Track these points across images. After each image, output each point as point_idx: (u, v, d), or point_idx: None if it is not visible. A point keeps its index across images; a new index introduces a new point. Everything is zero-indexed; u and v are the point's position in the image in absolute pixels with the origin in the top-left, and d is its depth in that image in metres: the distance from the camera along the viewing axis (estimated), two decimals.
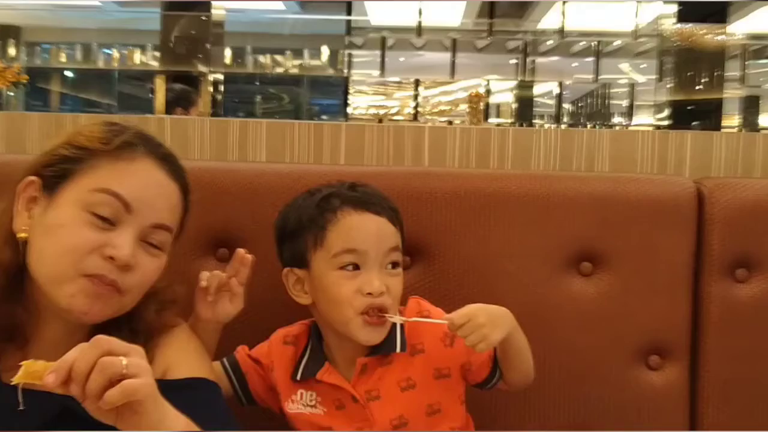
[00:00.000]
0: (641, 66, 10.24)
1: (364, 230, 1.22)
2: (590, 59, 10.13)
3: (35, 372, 0.83)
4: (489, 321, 1.17)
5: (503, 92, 10.29)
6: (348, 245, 1.21)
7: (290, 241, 1.26)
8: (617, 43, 9.92)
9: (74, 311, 0.99)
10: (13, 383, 0.83)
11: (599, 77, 9.97)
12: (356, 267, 1.20)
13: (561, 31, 9.21)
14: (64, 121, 1.67)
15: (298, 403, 1.27)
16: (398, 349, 1.23)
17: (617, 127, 9.86)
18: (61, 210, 1.01)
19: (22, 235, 1.01)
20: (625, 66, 10.61)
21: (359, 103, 10.18)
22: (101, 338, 0.85)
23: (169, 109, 5.41)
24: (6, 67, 6.11)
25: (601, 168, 1.61)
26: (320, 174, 1.47)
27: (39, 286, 1.01)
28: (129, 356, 0.85)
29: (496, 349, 1.23)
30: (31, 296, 1.03)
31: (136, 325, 1.08)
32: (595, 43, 9.82)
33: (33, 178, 1.04)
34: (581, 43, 10.11)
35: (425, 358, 1.25)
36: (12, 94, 6.56)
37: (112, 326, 1.05)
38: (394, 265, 1.24)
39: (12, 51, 7.68)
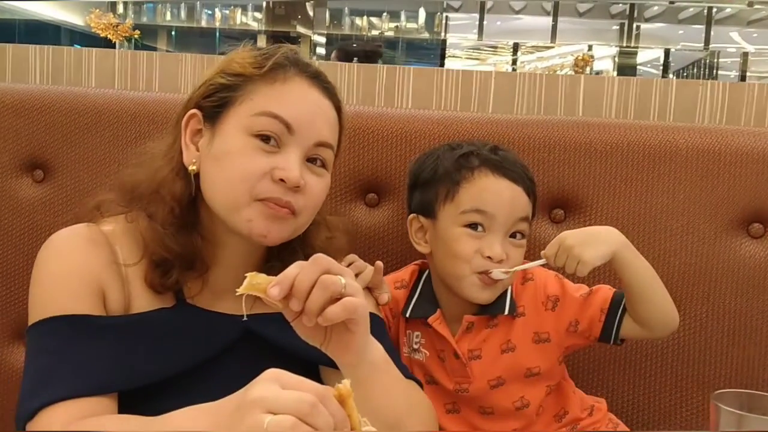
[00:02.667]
0: (753, 35, 9.66)
1: (497, 194, 1.19)
2: (698, 26, 9.63)
3: (258, 284, 0.84)
4: (578, 242, 1.13)
5: (603, 59, 9.92)
6: (479, 205, 1.18)
7: (422, 190, 1.25)
8: (728, 10, 9.37)
9: (254, 235, 0.99)
10: (238, 294, 0.84)
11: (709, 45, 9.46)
12: (482, 228, 1.18)
13: None
14: (213, 61, 1.68)
15: (404, 346, 1.27)
16: (506, 312, 1.20)
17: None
18: (227, 138, 1.01)
19: (193, 167, 1.02)
20: (735, 35, 10.04)
21: (452, 68, 10.04)
22: (321, 257, 0.85)
23: None
24: (119, 23, 6.32)
25: None
26: (471, 121, 1.43)
27: (215, 214, 1.02)
28: (345, 277, 0.85)
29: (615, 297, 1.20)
30: (207, 225, 1.04)
31: (310, 249, 1.08)
32: (706, 9, 9.30)
33: (194, 111, 1.04)
34: (690, 10, 9.62)
35: (525, 322, 1.22)
36: (123, 48, 6.78)
37: (287, 250, 1.07)
38: (520, 235, 1.21)
39: (121, 8, 7.91)
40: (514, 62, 9.63)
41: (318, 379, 1.01)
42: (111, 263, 1.01)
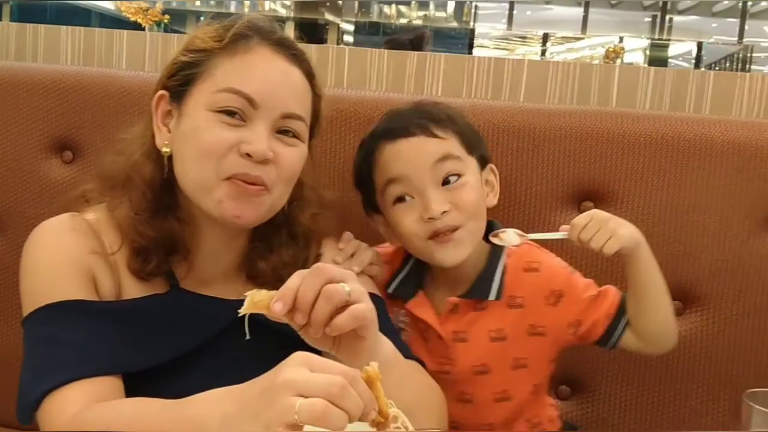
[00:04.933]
0: None
1: (398, 157, 1.14)
2: (732, 20, 9.46)
3: (260, 302, 0.82)
4: (613, 218, 1.09)
5: (634, 51, 9.79)
6: (387, 176, 1.14)
7: (362, 193, 1.23)
8: (763, 3, 9.19)
9: (226, 217, 0.96)
10: (240, 315, 0.82)
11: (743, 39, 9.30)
12: (410, 197, 1.13)
13: None
14: None
15: None
16: (492, 296, 1.16)
17: None
18: (192, 116, 0.98)
19: (166, 150, 1.01)
20: None
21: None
22: (322, 266, 0.84)
23: None
24: (149, 8, 6.36)
25: None
26: (501, 110, 1.41)
27: (189, 196, 1.00)
28: (348, 282, 0.83)
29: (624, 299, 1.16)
30: (185, 208, 1.03)
31: (294, 228, 1.06)
32: (741, 2, 9.12)
33: (162, 92, 1.02)
34: (724, 2, 9.45)
35: (522, 313, 1.18)
36: (153, 31, 6.82)
37: (271, 230, 1.05)
38: (451, 178, 1.13)
39: None
40: (543, 53, 9.54)
41: None
42: (98, 249, 1.00)
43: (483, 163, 1.21)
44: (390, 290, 1.22)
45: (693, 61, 9.61)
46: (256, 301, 0.82)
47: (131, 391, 0.94)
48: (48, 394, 0.88)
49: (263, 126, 0.97)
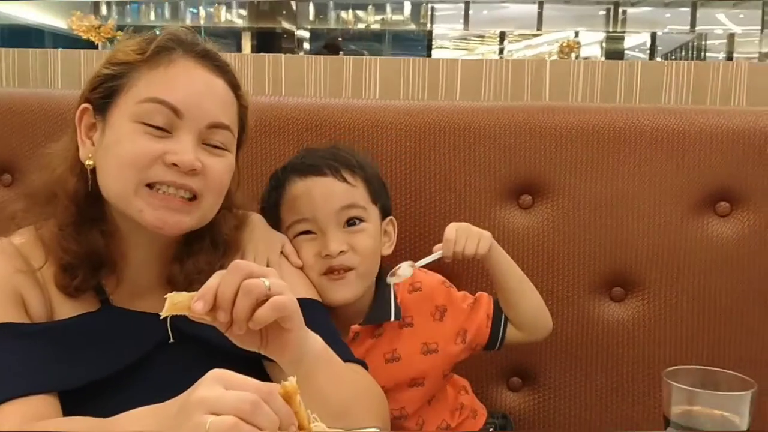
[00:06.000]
0: (740, 16, 9.64)
1: (307, 196, 1.18)
2: (684, 9, 9.60)
3: (180, 303, 0.82)
4: (471, 225, 1.17)
5: (591, 45, 9.90)
6: (295, 216, 1.18)
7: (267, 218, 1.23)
8: None
9: (148, 225, 0.96)
10: (162, 318, 0.82)
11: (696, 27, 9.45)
12: (313, 232, 1.17)
13: None
14: None
15: None
16: (392, 317, 1.20)
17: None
18: (116, 128, 0.98)
19: (89, 162, 1.00)
20: (721, 16, 10.03)
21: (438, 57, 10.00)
22: (239, 263, 0.84)
23: None
24: (101, 25, 6.28)
25: (738, 102, 1.50)
26: (437, 110, 1.43)
27: (113, 206, 1.00)
28: (268, 277, 0.84)
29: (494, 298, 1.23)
30: (112, 221, 1.02)
31: (217, 237, 1.06)
32: None
33: (85, 105, 1.02)
34: None
35: (413, 332, 1.22)
36: (106, 49, 6.75)
37: (196, 240, 1.05)
38: (353, 221, 1.18)
39: (104, 9, 7.88)
40: (501, 51, 9.62)
41: (263, 373, 0.99)
42: (25, 271, 1.00)
43: (385, 213, 1.25)
44: None
45: (648, 51, 9.75)
46: (176, 302, 0.82)
47: (69, 409, 0.93)
48: None
49: (189, 136, 0.97)
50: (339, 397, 0.94)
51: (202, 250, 1.05)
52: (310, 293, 1.14)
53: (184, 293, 0.83)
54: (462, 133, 1.40)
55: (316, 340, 0.93)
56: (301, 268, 1.18)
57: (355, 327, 1.20)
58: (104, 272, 1.02)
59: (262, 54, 1.53)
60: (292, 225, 1.19)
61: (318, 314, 1.08)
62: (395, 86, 1.57)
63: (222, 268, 0.84)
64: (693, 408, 0.81)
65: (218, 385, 0.72)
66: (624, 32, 9.62)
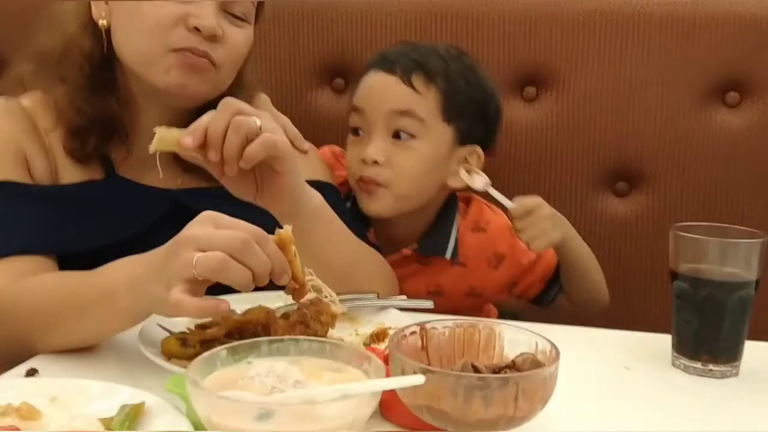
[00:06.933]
0: None
1: (368, 88, 1.11)
2: None
3: (171, 138, 0.80)
4: (551, 215, 1.09)
5: None
6: (354, 103, 1.12)
7: None
8: None
9: (171, 86, 0.93)
10: (151, 152, 0.81)
11: None
12: (362, 131, 1.12)
13: None
14: None
15: None
16: (448, 255, 1.14)
17: None
18: None
19: (103, 22, 0.96)
20: None
21: None
22: (231, 100, 0.81)
23: None
24: None
25: None
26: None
27: (131, 71, 0.96)
28: (261, 118, 0.81)
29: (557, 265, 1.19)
30: (124, 87, 0.99)
31: None
32: None
33: None
34: None
35: (463, 273, 1.17)
36: None
37: (205, 111, 1.01)
38: (402, 134, 1.09)
39: None
40: None
41: None
42: (32, 133, 0.97)
43: (465, 138, 1.13)
44: None
45: None
46: (165, 137, 0.80)
47: None
48: None
49: (211, 1, 0.94)
50: (339, 259, 0.92)
51: None
52: (326, 177, 1.11)
53: (175, 129, 0.81)
54: (462, 21, 1.35)
55: (314, 194, 0.91)
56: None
57: (407, 251, 1.15)
58: (115, 141, 1.00)
59: None
60: (349, 115, 1.13)
61: (330, 196, 1.02)
62: None
63: None
64: (700, 262, 0.79)
65: (209, 224, 0.70)
66: None
